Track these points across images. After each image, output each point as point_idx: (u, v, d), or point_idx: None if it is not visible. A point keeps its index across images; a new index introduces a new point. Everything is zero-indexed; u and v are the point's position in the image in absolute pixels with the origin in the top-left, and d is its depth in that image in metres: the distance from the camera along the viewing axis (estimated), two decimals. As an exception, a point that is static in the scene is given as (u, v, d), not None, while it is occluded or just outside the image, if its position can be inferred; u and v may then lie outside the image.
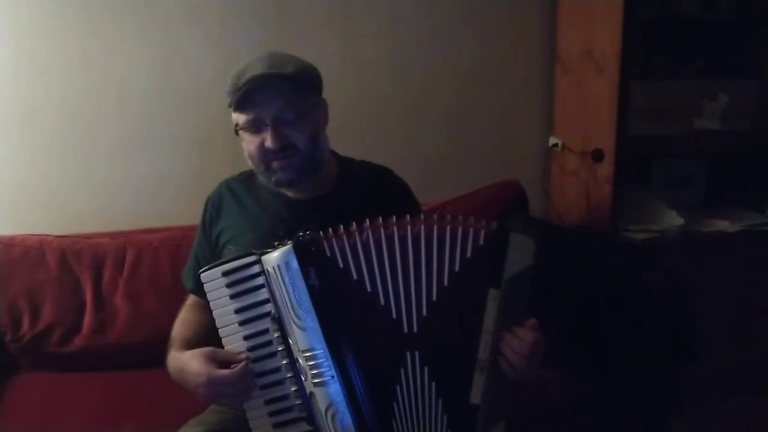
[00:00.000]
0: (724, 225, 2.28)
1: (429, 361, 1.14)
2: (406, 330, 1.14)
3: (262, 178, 1.38)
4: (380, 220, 1.15)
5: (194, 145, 2.09)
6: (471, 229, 1.14)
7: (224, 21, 2.05)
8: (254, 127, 1.29)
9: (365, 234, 1.14)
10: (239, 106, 1.29)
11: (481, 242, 1.15)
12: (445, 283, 1.14)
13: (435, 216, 1.16)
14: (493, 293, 1.14)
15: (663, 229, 2.24)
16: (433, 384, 1.15)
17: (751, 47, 2.38)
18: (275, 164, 1.31)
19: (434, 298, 1.14)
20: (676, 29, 2.33)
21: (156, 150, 2.06)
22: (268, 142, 1.28)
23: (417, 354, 1.14)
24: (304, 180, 1.34)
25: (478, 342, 1.14)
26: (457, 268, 1.14)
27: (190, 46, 2.04)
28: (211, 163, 2.07)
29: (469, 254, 1.14)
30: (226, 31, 2.06)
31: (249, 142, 1.32)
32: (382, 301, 1.14)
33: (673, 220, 2.25)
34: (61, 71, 1.95)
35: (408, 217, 1.15)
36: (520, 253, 1.16)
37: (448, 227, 1.14)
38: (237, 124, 1.33)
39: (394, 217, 1.15)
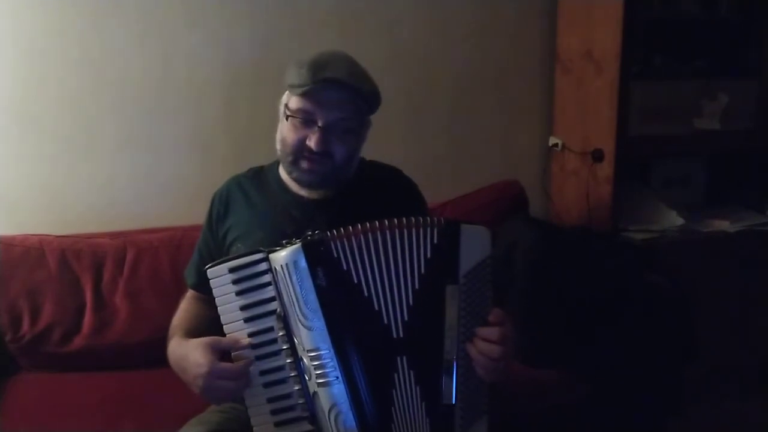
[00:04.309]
0: (724, 225, 2.28)
1: (414, 366, 1.15)
2: (395, 335, 1.15)
3: (283, 166, 1.37)
4: (368, 224, 1.15)
5: (194, 144, 2.09)
6: (427, 229, 1.15)
7: (224, 21, 2.05)
8: (305, 119, 1.29)
9: (360, 237, 1.14)
10: (304, 94, 1.28)
11: (435, 240, 1.15)
12: (416, 286, 1.15)
13: (404, 219, 1.16)
14: (452, 290, 1.14)
15: (663, 229, 2.24)
16: (418, 389, 1.15)
17: (751, 47, 2.37)
18: (305, 164, 1.31)
19: (411, 302, 1.15)
20: (676, 29, 2.33)
21: (156, 150, 2.06)
22: (311, 143, 1.27)
23: (405, 359, 1.14)
24: (324, 186, 1.35)
25: (443, 342, 1.15)
26: (423, 270, 1.15)
27: (190, 46, 2.04)
28: (212, 162, 2.07)
29: (429, 254, 1.15)
30: (226, 31, 2.06)
31: (291, 130, 1.31)
32: (376, 306, 1.14)
33: (673, 220, 2.25)
34: (61, 71, 1.94)
35: (386, 221, 1.15)
36: (475, 244, 1.16)
37: (413, 230, 1.15)
38: (287, 106, 1.32)
39: (377, 222, 1.15)
